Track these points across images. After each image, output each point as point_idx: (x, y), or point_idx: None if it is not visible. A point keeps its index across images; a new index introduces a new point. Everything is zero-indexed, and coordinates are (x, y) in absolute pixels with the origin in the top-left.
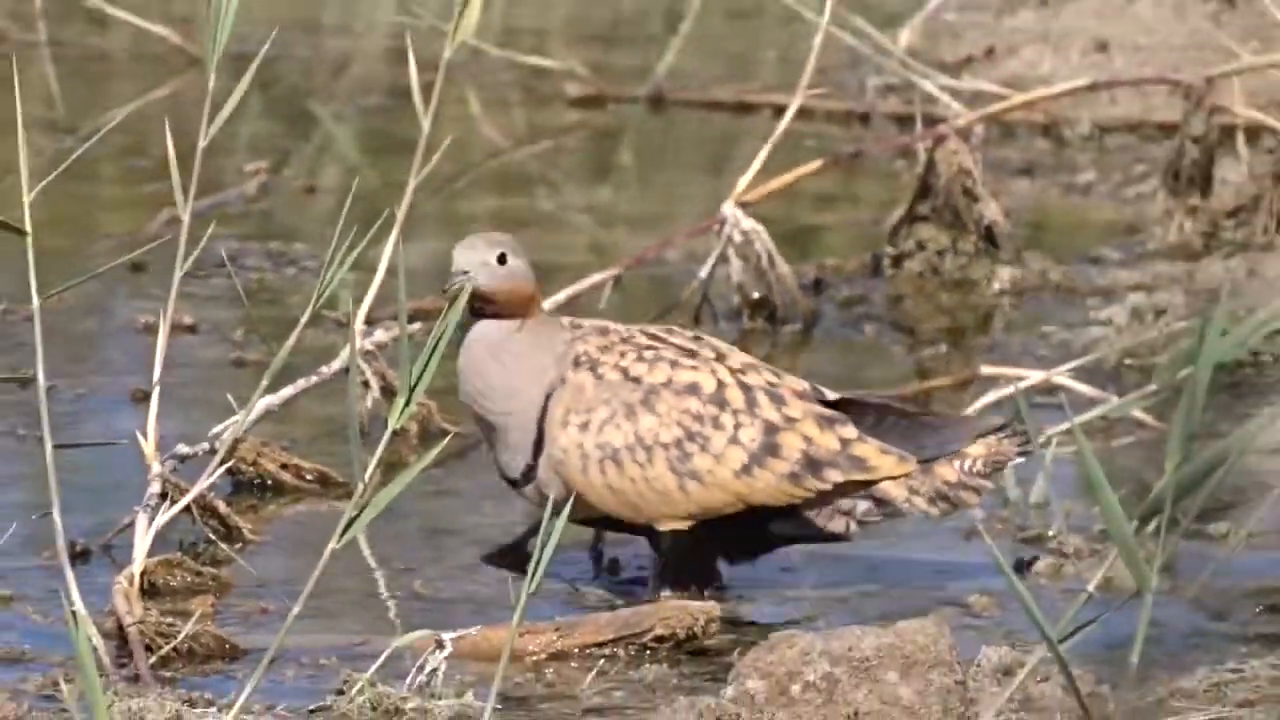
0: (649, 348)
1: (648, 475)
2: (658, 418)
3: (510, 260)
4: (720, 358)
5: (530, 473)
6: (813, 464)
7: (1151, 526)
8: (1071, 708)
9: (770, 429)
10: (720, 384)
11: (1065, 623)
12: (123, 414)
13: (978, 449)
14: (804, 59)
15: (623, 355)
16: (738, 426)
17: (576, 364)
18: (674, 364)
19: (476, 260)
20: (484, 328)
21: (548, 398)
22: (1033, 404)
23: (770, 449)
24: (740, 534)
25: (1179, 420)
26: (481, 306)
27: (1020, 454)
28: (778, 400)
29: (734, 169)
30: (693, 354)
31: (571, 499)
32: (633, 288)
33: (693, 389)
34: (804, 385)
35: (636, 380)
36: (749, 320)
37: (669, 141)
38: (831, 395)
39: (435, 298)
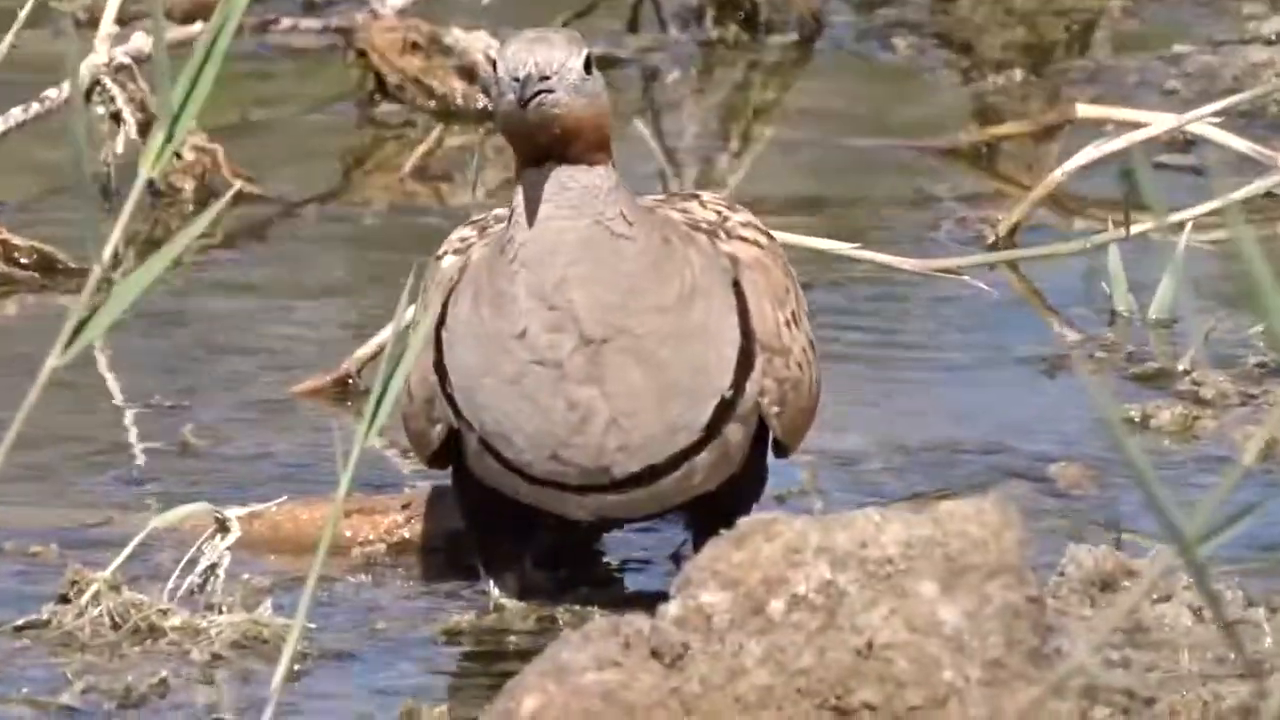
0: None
1: (816, 375)
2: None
3: (594, 69)
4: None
5: (714, 430)
6: None
7: None
8: (1207, 641)
9: None
10: None
11: (1204, 510)
12: None
13: None
14: None
15: (725, 210)
16: None
17: (718, 234)
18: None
19: (557, 63)
20: (580, 190)
21: (737, 287)
22: (1155, 164)
23: None
24: None
25: None
26: (552, 144)
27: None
28: None
29: None
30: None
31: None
32: None
33: None
34: None
35: (771, 238)
36: (715, 27)
37: None
38: None
39: None
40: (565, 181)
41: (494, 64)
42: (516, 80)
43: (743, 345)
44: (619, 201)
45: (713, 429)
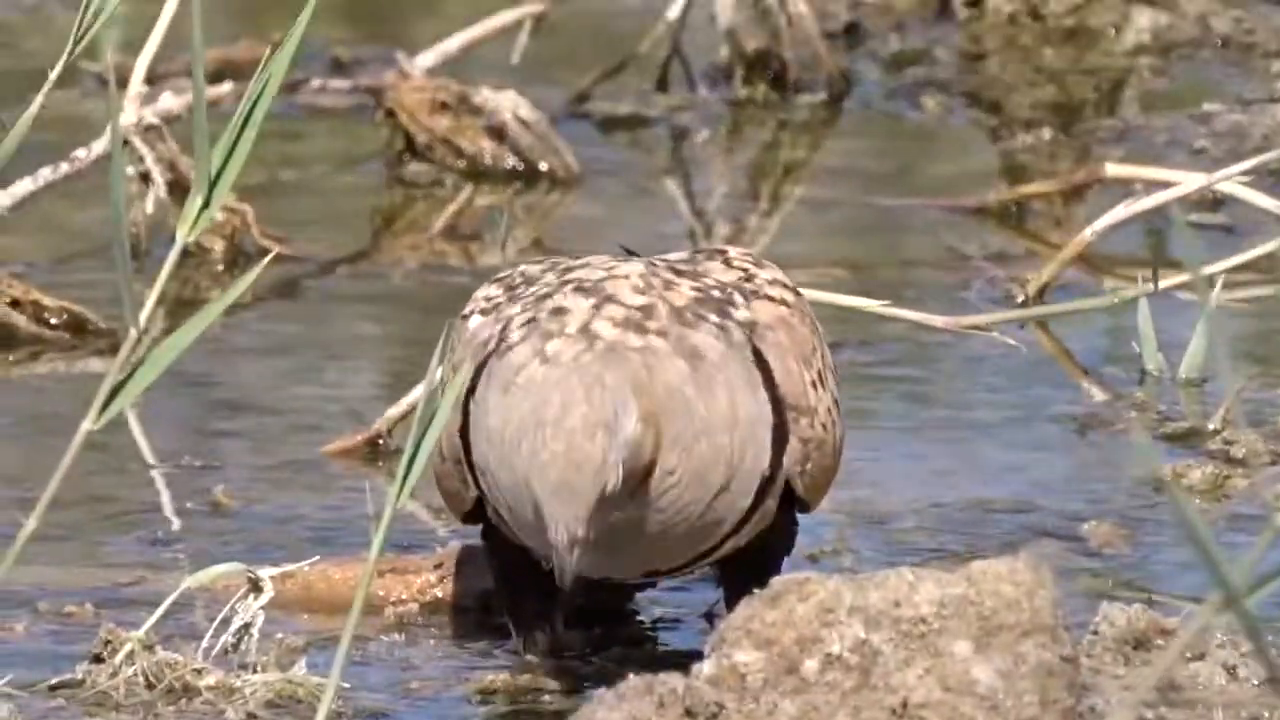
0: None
1: (840, 434)
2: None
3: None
4: None
5: (756, 508)
6: None
7: None
8: (1241, 699)
9: None
10: None
11: (1249, 563)
12: None
13: None
14: None
15: (752, 268)
16: None
17: (733, 302)
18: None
19: (584, 512)
20: None
21: (757, 353)
22: (1185, 222)
23: None
24: None
25: None
26: None
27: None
28: None
29: None
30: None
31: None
32: (562, 33)
33: None
34: None
35: (799, 294)
36: (744, 87)
37: None
38: None
39: (251, 44)
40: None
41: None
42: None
43: (776, 422)
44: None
45: (754, 507)
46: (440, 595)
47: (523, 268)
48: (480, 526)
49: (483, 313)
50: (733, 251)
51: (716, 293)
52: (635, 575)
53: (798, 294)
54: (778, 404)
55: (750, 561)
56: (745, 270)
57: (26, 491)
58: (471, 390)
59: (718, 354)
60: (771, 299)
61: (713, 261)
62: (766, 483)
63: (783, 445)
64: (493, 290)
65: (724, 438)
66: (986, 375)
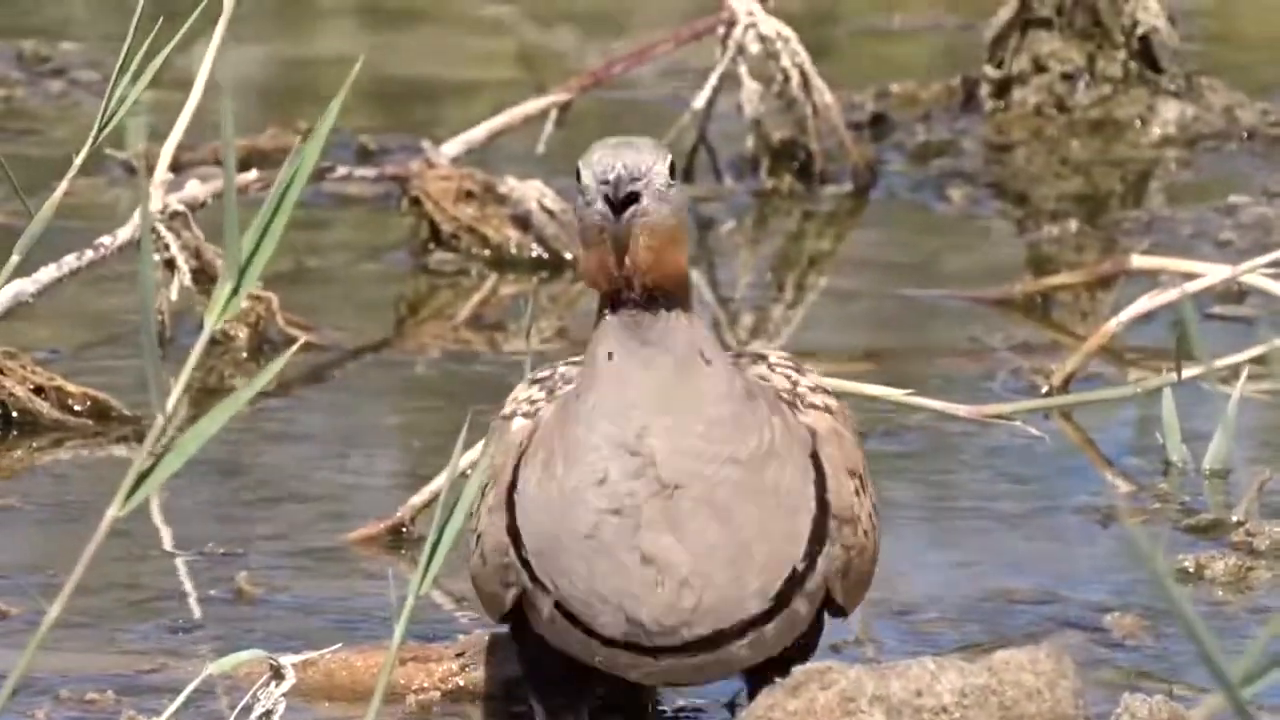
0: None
1: (877, 539)
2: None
3: (678, 177)
4: None
5: (784, 601)
6: None
7: None
8: None
9: None
10: None
11: (1251, 653)
12: None
13: None
14: None
15: (794, 374)
16: None
17: (796, 405)
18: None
19: (645, 166)
20: (661, 332)
21: (816, 459)
22: (1208, 314)
23: None
24: None
25: None
26: (634, 274)
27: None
28: None
29: None
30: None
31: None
32: (587, 122)
33: None
34: None
35: (838, 399)
36: (770, 177)
37: None
38: None
39: (277, 132)
40: (644, 322)
41: (578, 174)
42: (605, 183)
43: (817, 517)
44: (699, 342)
45: (782, 600)
46: (462, 683)
47: (561, 370)
48: (510, 624)
49: (525, 416)
50: (773, 356)
51: (784, 395)
52: (663, 638)
53: (838, 400)
54: (823, 511)
55: (777, 658)
56: (789, 377)
57: (49, 578)
58: (512, 487)
59: (780, 431)
60: (816, 407)
61: (757, 366)
62: (796, 581)
63: (819, 545)
64: (534, 392)
65: (769, 499)
66: (1010, 466)
